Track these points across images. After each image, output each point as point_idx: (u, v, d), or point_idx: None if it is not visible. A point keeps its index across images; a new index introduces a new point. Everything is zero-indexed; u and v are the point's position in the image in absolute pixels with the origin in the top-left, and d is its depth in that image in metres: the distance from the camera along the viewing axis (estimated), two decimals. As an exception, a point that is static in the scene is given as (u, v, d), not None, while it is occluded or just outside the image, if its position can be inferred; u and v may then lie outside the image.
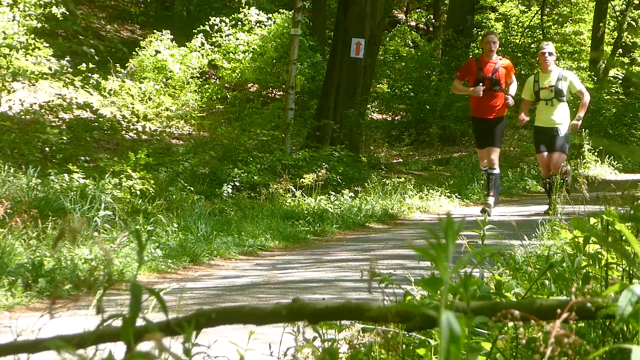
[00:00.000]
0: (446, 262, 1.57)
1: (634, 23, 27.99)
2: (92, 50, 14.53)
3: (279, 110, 16.66)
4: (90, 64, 14.58)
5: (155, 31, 19.14)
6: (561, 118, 10.65)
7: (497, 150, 10.88)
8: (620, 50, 28.04)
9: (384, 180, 12.86)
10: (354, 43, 14.58)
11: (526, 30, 23.07)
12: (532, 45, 22.21)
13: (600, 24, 25.72)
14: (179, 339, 2.02)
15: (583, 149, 17.44)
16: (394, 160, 17.80)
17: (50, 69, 14.89)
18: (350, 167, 13.50)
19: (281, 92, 19.20)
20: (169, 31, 18.78)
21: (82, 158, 11.47)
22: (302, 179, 11.63)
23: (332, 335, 2.99)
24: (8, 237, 7.00)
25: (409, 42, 27.62)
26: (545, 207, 10.53)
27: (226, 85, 19.60)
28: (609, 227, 2.91)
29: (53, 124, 13.01)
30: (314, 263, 8.03)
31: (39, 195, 8.72)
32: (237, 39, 19.50)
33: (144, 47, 18.47)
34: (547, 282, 3.15)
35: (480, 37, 11.29)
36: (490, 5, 28.46)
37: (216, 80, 19.84)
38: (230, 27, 19.63)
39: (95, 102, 15.47)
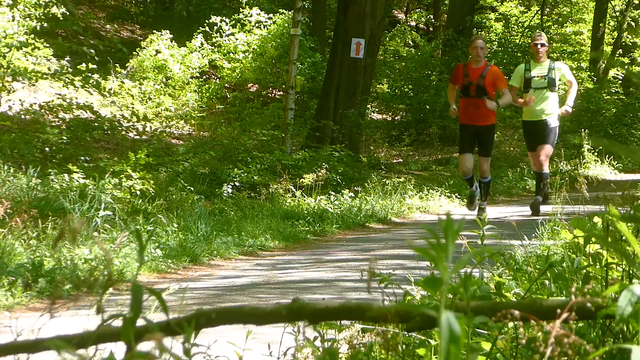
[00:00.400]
0: (446, 262, 1.57)
1: (633, 23, 28.00)
2: (92, 51, 14.52)
3: (279, 110, 16.66)
4: (90, 64, 14.58)
5: (155, 31, 19.14)
6: (551, 109, 10.53)
7: (488, 159, 10.62)
8: (620, 50, 28.06)
9: (384, 180, 12.86)
10: (354, 43, 14.58)
11: (526, 31, 23.06)
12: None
13: (600, 24, 25.73)
14: (179, 339, 2.02)
15: (583, 149, 17.44)
16: (394, 160, 17.81)
17: (49, 69, 14.89)
18: (350, 167, 13.50)
19: (281, 92, 19.20)
20: (168, 31, 18.77)
21: (82, 158, 11.46)
22: (302, 179, 11.63)
23: (332, 335, 2.99)
24: (8, 237, 7.00)
25: (409, 42, 27.62)
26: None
27: (226, 85, 19.60)
28: (609, 227, 2.91)
29: (53, 124, 13.00)
30: (314, 263, 8.03)
31: (39, 195, 8.72)
32: (237, 39, 19.50)
33: (144, 47, 18.47)
34: (547, 282, 3.15)
35: (469, 42, 10.84)
36: (490, 6, 28.47)
37: (216, 80, 19.84)
38: (230, 27, 19.63)
39: (95, 102, 15.47)
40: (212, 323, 2.10)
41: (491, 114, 10.33)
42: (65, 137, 12.03)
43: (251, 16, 19.83)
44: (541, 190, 10.69)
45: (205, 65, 19.16)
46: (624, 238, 2.70)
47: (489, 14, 28.33)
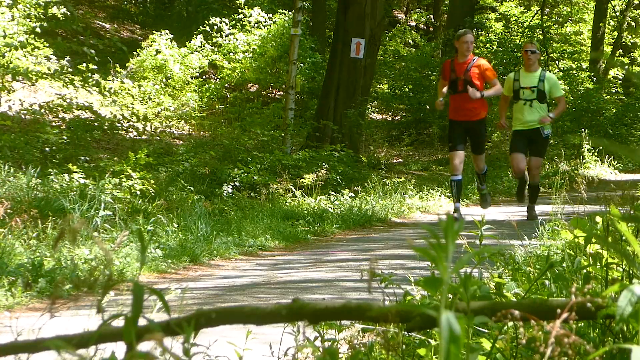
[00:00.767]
0: (446, 262, 1.57)
1: (633, 23, 28.00)
2: (93, 51, 14.53)
3: (279, 110, 16.66)
4: (90, 64, 14.58)
5: (155, 31, 19.14)
6: (542, 117, 10.20)
7: (483, 156, 10.51)
8: (621, 50, 28.06)
9: (384, 180, 12.86)
10: (354, 43, 14.58)
11: (526, 31, 23.07)
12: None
13: (600, 24, 25.73)
14: (179, 339, 2.02)
15: (583, 149, 17.44)
16: (394, 160, 17.81)
17: (49, 69, 14.89)
18: (350, 167, 13.50)
19: (281, 92, 19.20)
20: (168, 31, 18.77)
21: (82, 158, 11.46)
22: (302, 179, 11.63)
23: (332, 335, 2.99)
24: (8, 237, 7.00)
25: (409, 42, 27.61)
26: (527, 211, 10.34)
27: (226, 85, 19.60)
28: (609, 227, 2.91)
29: (53, 124, 13.01)
30: (314, 263, 8.03)
31: (39, 195, 8.72)
32: (237, 39, 19.50)
33: (144, 47, 18.47)
34: (547, 282, 3.15)
35: (455, 36, 10.48)
36: (490, 6, 28.46)
37: (216, 80, 19.84)
38: (230, 27, 19.64)
39: (95, 102, 15.48)
40: (212, 323, 2.10)
41: (481, 109, 10.16)
42: (65, 137, 12.03)
43: (250, 16, 19.83)
44: (534, 199, 10.49)
45: (205, 65, 19.16)
46: (624, 238, 2.70)
47: (489, 14, 28.32)
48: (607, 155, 17.71)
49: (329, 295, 6.14)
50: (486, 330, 2.44)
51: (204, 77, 19.75)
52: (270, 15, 19.92)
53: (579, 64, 24.42)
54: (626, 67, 28.71)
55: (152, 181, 10.11)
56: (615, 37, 28.04)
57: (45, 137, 11.63)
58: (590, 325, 2.52)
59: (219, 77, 19.79)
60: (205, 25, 19.46)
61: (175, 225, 8.74)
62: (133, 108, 16.32)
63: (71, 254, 6.90)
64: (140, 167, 10.39)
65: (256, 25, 19.79)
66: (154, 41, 18.49)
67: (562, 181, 11.54)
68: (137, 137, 14.60)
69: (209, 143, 14.35)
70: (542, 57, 21.89)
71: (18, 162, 10.33)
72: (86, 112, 14.08)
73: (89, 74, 14.84)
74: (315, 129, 14.63)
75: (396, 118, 20.96)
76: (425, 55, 22.54)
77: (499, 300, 2.76)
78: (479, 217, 3.44)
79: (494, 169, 15.61)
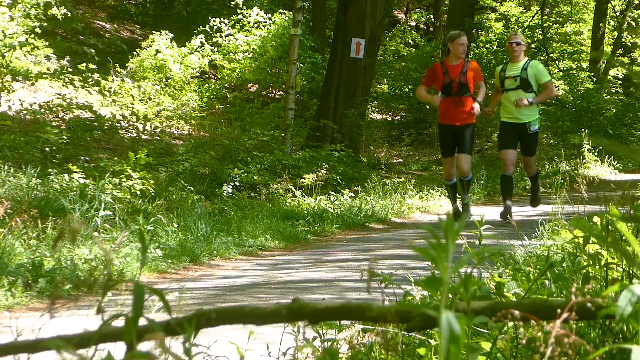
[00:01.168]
0: (446, 262, 1.57)
1: (634, 23, 28.00)
2: (93, 51, 14.53)
3: (279, 110, 16.66)
4: (90, 64, 14.57)
5: (154, 31, 19.14)
6: (530, 111, 9.99)
7: (469, 157, 10.17)
8: (622, 49, 28.07)
9: (384, 180, 12.87)
10: (354, 43, 14.58)
11: (526, 30, 23.07)
12: (532, 45, 22.20)
13: (600, 24, 25.73)
14: (179, 338, 2.02)
15: (583, 149, 17.44)
16: (394, 160, 17.81)
17: (48, 69, 14.89)
18: (350, 167, 13.50)
19: (281, 92, 19.20)
20: (167, 31, 18.77)
21: (82, 158, 11.46)
22: (302, 179, 11.63)
23: (332, 335, 2.99)
24: (8, 237, 7.00)
25: (409, 42, 27.62)
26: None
27: (226, 85, 19.60)
28: (609, 227, 2.91)
29: (53, 123, 13.00)
30: (314, 263, 8.03)
31: (39, 195, 8.72)
32: (236, 39, 19.50)
33: (144, 47, 18.47)
34: (547, 282, 3.15)
35: (449, 38, 10.13)
36: (490, 6, 28.46)
37: (216, 80, 19.84)
38: (229, 28, 19.64)
39: (95, 102, 15.48)
40: (212, 323, 2.10)
41: (471, 113, 9.93)
42: (65, 137, 12.03)
43: (250, 16, 19.83)
44: (538, 195, 10.56)
45: (205, 65, 19.16)
46: (624, 238, 2.70)
47: (489, 14, 28.32)
48: (607, 155, 17.71)
49: (329, 295, 6.14)
50: (486, 331, 2.44)
51: (204, 77, 19.76)
52: (270, 15, 19.92)
53: (579, 64, 24.43)
54: (627, 66, 28.72)
55: (152, 181, 10.11)
56: (615, 37, 28.05)
57: (45, 137, 11.63)
58: (590, 325, 2.52)
59: (219, 77, 19.79)
60: (204, 25, 19.46)
61: (175, 225, 8.74)
62: (133, 108, 16.32)
63: (71, 254, 6.90)
64: (140, 167, 10.39)
65: (256, 25, 19.79)
66: (154, 41, 18.49)
67: (562, 181, 11.55)
68: (137, 137, 14.60)
69: (209, 143, 14.35)
70: (535, 49, 21.94)
71: (18, 162, 10.33)
72: (86, 112, 14.08)
73: (89, 74, 14.84)
74: (315, 128, 14.63)
75: (396, 118, 20.96)
76: (425, 55, 22.54)
77: (499, 300, 2.76)
78: (478, 217, 3.44)
79: (494, 169, 15.61)
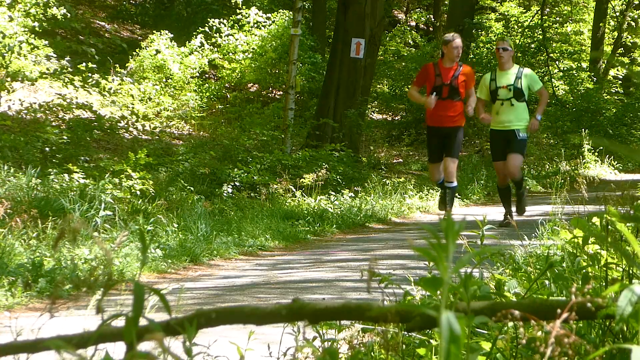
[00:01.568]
0: (446, 262, 1.57)
1: (634, 23, 28.01)
2: (93, 50, 14.53)
3: (279, 110, 16.66)
4: (90, 64, 14.57)
5: (155, 31, 19.15)
6: (520, 119, 9.77)
7: (455, 161, 9.95)
8: (622, 49, 28.07)
9: (384, 180, 12.86)
10: (354, 43, 14.58)
11: (526, 30, 23.08)
12: (532, 46, 22.21)
13: (600, 24, 25.74)
14: (179, 338, 2.02)
15: (583, 149, 17.45)
16: (394, 160, 17.81)
17: (48, 69, 14.89)
18: (350, 167, 13.49)
19: (281, 92, 19.20)
20: (167, 31, 18.78)
21: (82, 158, 11.46)
22: (302, 179, 11.63)
23: (332, 335, 2.99)
24: (8, 237, 7.00)
25: (409, 42, 27.62)
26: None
27: (226, 85, 19.61)
28: (609, 227, 2.91)
29: (53, 123, 13.00)
30: (314, 263, 8.03)
31: (39, 195, 8.72)
32: (236, 39, 19.50)
33: (144, 47, 18.47)
34: (547, 282, 3.15)
35: (443, 41, 9.93)
36: (490, 6, 28.47)
37: (216, 80, 19.84)
38: (229, 28, 19.64)
39: (95, 102, 15.48)
40: (212, 323, 2.10)
41: (460, 117, 9.78)
42: (65, 137, 12.03)
43: (249, 17, 19.83)
44: (523, 201, 10.11)
45: (205, 65, 19.16)
46: (623, 238, 2.70)
47: (489, 14, 28.33)
48: (607, 155, 17.72)
49: (329, 295, 6.14)
50: (486, 331, 2.44)
51: (204, 77, 19.76)
52: (269, 15, 19.91)
53: (579, 64, 24.43)
54: (627, 66, 28.71)
55: (152, 181, 10.11)
56: (615, 37, 28.05)
57: (45, 137, 11.63)
58: (590, 325, 2.52)
59: (218, 76, 19.79)
60: (204, 26, 19.45)
61: (175, 225, 8.74)
62: (133, 108, 16.33)
63: (71, 254, 6.90)
64: (140, 167, 10.38)
65: (255, 25, 19.79)
66: (154, 41, 18.50)
67: (562, 181, 11.54)
68: (137, 137, 14.60)
69: (209, 143, 14.35)
70: (535, 49, 21.93)
71: (18, 162, 10.33)
72: (86, 112, 14.08)
73: (89, 74, 14.83)
74: (315, 127, 14.63)
75: (396, 118, 20.96)
76: (425, 55, 22.54)
77: (499, 300, 2.76)
78: (480, 217, 3.44)
79: (493, 169, 15.60)
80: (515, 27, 24.53)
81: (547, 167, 16.65)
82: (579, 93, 21.54)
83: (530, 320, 2.00)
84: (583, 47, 27.54)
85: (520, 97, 9.72)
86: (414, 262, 7.14)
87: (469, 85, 9.71)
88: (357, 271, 6.07)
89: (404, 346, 2.64)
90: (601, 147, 17.63)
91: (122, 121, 14.75)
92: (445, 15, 26.32)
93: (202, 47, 19.09)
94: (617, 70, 26.65)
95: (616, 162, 17.84)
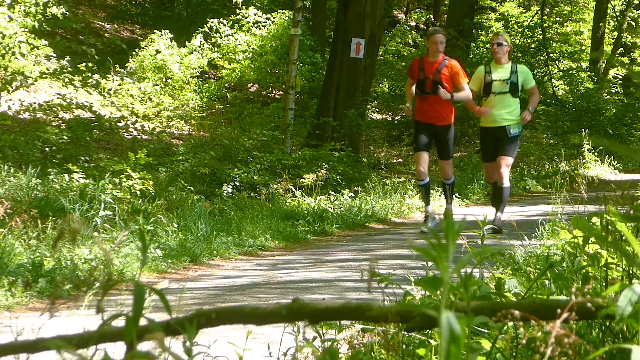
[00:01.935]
0: (447, 262, 1.57)
1: (634, 23, 28.01)
2: (93, 50, 14.53)
3: (279, 110, 16.66)
4: (90, 64, 14.57)
5: (155, 31, 19.14)
6: (512, 114, 9.61)
7: (450, 161, 9.93)
8: (622, 49, 28.07)
9: (384, 180, 12.86)
10: (354, 43, 14.58)
11: (526, 31, 23.08)
12: (532, 46, 22.20)
13: (600, 24, 25.73)
14: (179, 338, 2.02)
15: (583, 149, 17.45)
16: (394, 160, 17.81)
17: (48, 69, 14.89)
18: (350, 167, 13.49)
19: (281, 92, 19.20)
20: (167, 31, 18.77)
21: (82, 158, 11.46)
22: (302, 179, 11.63)
23: (332, 335, 2.99)
24: (8, 237, 7.00)
25: (409, 42, 27.61)
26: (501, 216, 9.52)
27: (226, 85, 19.60)
28: (609, 227, 2.91)
29: (53, 123, 13.00)
30: (314, 263, 8.03)
31: (39, 195, 8.72)
32: (236, 39, 19.50)
33: (144, 47, 18.46)
34: (547, 282, 3.15)
35: (426, 35, 9.75)
36: (490, 6, 28.47)
37: (216, 80, 19.84)
38: (228, 28, 19.64)
39: (95, 102, 15.48)
40: (212, 323, 2.10)
41: (448, 113, 9.64)
42: (65, 137, 12.03)
43: (248, 17, 19.82)
44: (501, 207, 9.64)
45: (205, 65, 19.16)
46: (624, 238, 2.70)
47: (489, 14, 28.33)
48: (607, 155, 17.72)
49: (329, 295, 6.14)
50: (486, 331, 2.44)
51: (204, 77, 19.76)
52: (269, 15, 19.91)
53: (579, 64, 24.44)
54: (627, 66, 28.72)
55: (152, 181, 10.11)
56: (615, 37, 28.04)
57: (45, 137, 11.63)
58: (590, 325, 2.52)
59: (218, 76, 19.79)
60: (204, 26, 19.45)
61: (175, 225, 8.74)
62: (133, 108, 16.32)
63: (71, 254, 6.90)
64: (140, 167, 10.39)
65: (255, 25, 19.79)
66: (153, 41, 18.49)
67: (562, 181, 11.54)
68: (137, 137, 14.60)
69: (209, 143, 14.35)
70: (535, 49, 21.93)
71: (18, 162, 10.33)
72: (86, 112, 14.08)
73: (89, 74, 14.83)
74: (316, 126, 14.62)
75: (396, 118, 20.95)
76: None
77: (499, 300, 2.76)
78: (480, 216, 3.44)
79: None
80: (515, 27, 24.53)
81: (547, 167, 16.65)
82: (579, 93, 21.53)
83: (530, 320, 2.00)
84: (583, 47, 27.54)
85: (515, 93, 9.61)
86: (414, 262, 7.14)
87: (457, 81, 9.52)
88: (357, 271, 6.07)
89: (404, 346, 2.64)
90: (601, 147, 17.63)
91: (122, 121, 14.75)
92: (445, 15, 26.32)
93: (202, 47, 19.09)
94: (617, 70, 26.65)
95: (616, 162, 17.84)
